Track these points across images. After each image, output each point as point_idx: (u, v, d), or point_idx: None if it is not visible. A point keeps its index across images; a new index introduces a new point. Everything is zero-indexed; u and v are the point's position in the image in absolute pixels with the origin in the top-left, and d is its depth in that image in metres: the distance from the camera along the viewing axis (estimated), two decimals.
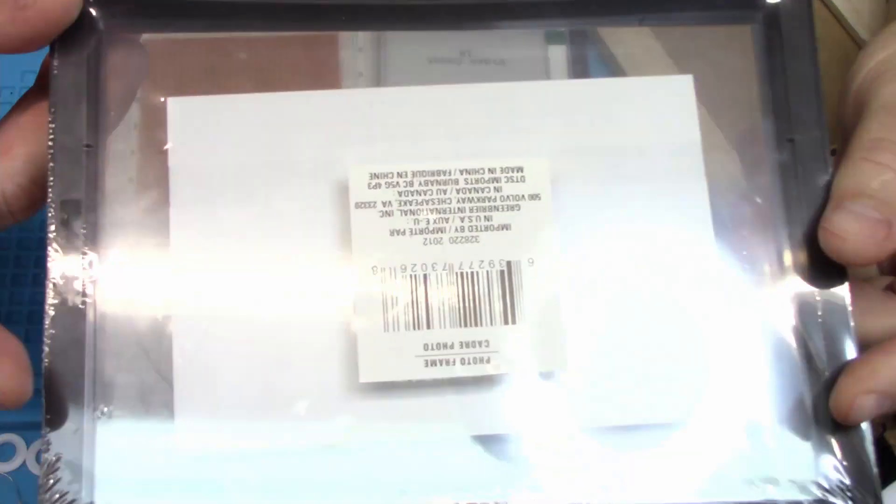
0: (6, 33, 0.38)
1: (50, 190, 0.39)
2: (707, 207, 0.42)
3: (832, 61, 0.51)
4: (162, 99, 0.42)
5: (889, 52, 0.44)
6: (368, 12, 0.47)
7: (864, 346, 0.40)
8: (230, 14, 0.46)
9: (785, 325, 0.41)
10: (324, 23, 0.47)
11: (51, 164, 0.40)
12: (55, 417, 0.39)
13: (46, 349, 0.39)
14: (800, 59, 0.45)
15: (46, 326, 0.39)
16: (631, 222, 0.42)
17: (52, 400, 0.39)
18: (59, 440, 0.39)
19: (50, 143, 0.40)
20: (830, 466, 0.39)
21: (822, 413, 0.40)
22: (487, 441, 0.39)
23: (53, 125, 0.40)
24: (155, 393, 0.40)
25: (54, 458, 0.38)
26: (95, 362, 0.40)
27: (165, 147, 0.41)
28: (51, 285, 0.39)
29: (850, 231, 0.39)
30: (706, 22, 0.49)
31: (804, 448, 0.40)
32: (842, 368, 0.40)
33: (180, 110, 0.42)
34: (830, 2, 0.55)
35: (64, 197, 0.40)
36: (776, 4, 0.45)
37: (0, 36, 0.38)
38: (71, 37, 0.41)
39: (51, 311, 0.39)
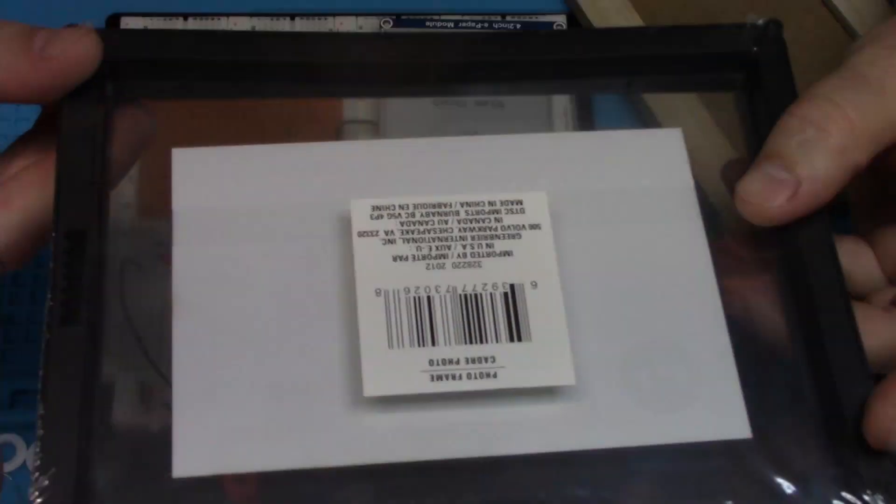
0: (27, 83, 0.38)
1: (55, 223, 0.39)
2: (703, 238, 0.42)
3: (832, 61, 0.50)
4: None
5: (879, 27, 0.43)
6: (371, 83, 0.47)
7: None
8: (235, 77, 0.46)
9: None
10: (327, 88, 0.48)
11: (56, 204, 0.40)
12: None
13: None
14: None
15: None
16: (631, 250, 0.42)
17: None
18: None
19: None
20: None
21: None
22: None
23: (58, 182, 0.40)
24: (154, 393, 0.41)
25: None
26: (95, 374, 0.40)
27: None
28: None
29: (753, 192, 0.40)
30: (691, 89, 0.49)
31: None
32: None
33: (184, 160, 0.43)
34: (830, 2, 0.55)
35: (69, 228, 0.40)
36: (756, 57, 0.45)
37: (20, 86, 0.38)
38: (82, 92, 0.41)
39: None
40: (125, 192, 0.46)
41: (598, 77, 0.47)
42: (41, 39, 0.38)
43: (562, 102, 0.50)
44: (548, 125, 0.50)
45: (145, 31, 0.49)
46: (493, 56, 0.45)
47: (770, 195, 0.39)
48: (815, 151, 0.39)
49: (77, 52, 0.39)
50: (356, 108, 0.50)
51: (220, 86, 0.46)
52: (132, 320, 0.43)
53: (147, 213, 0.46)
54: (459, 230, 0.41)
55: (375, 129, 0.49)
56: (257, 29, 0.51)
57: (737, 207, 0.40)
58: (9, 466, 0.52)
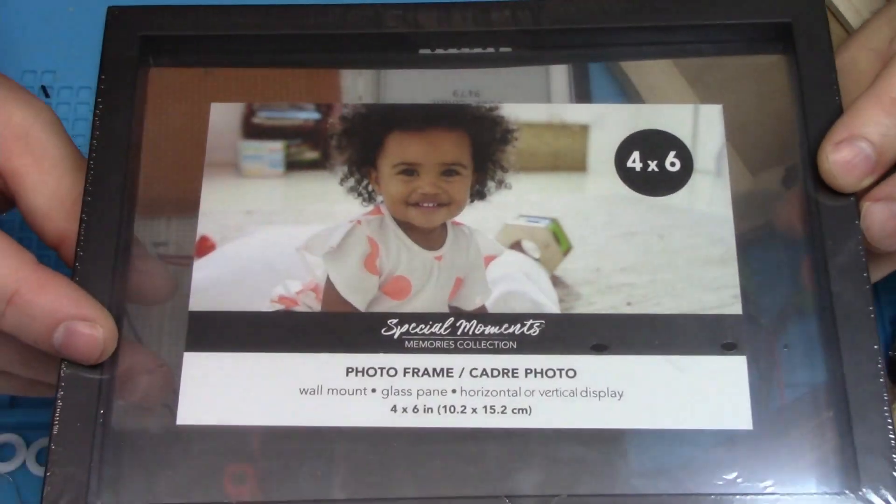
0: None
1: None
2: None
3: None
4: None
5: None
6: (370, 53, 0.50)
7: None
8: (233, 49, 0.48)
9: None
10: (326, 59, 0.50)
11: None
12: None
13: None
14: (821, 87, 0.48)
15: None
16: None
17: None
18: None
19: None
20: None
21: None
22: None
23: None
24: None
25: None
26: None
27: None
28: None
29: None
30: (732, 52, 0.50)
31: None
32: None
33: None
34: (831, 2, 0.55)
35: None
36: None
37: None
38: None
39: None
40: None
41: (631, 45, 0.51)
42: (59, 336, 0.43)
43: (560, 74, 0.50)
44: (546, 97, 0.50)
45: (178, 8, 0.50)
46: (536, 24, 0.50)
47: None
48: None
49: (84, 354, 0.44)
50: (356, 82, 0.51)
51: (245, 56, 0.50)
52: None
53: (147, 213, 0.46)
54: None
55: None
56: None
57: None
58: (9, 466, 0.52)
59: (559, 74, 0.51)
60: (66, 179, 0.47)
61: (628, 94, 0.52)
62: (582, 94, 0.51)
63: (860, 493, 0.41)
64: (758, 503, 0.42)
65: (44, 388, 0.47)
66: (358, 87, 0.50)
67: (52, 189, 0.47)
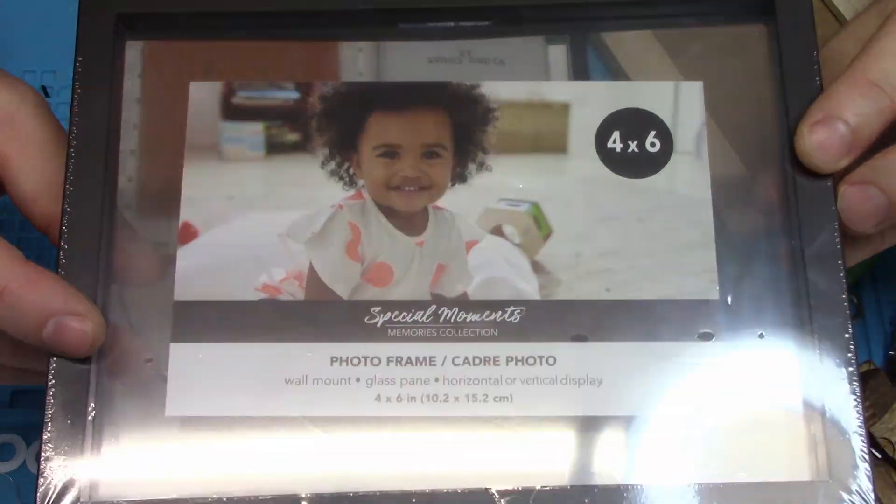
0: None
1: None
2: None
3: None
4: None
5: None
6: (368, 24, 0.49)
7: None
8: (212, 24, 0.48)
9: None
10: (324, 31, 0.49)
11: None
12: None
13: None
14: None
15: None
16: None
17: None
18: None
19: None
20: None
21: None
22: None
23: None
24: None
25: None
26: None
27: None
28: None
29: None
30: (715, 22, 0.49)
31: None
32: None
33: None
34: (830, 2, 0.54)
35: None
36: None
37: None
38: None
39: None
40: (125, 193, 0.47)
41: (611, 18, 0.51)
42: (49, 331, 0.44)
43: (558, 53, 0.50)
44: (545, 75, 0.50)
45: None
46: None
47: None
48: None
49: (74, 348, 0.44)
50: (356, 61, 0.50)
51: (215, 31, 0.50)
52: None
53: (147, 213, 0.47)
54: None
55: None
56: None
57: None
58: (8, 466, 0.53)
59: (557, 50, 0.51)
60: (52, 163, 0.47)
61: (611, 69, 0.52)
62: (579, 69, 0.50)
63: (830, 481, 0.43)
64: (735, 490, 0.43)
65: (32, 377, 0.48)
66: (355, 62, 0.50)
67: (38, 173, 0.47)
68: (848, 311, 0.45)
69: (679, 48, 0.51)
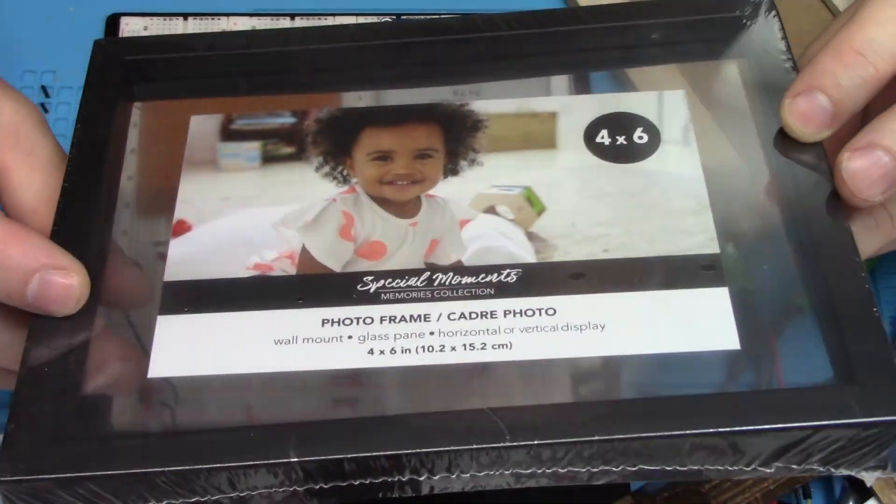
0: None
1: None
2: None
3: None
4: None
5: None
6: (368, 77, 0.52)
7: None
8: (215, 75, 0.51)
9: None
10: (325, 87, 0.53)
11: None
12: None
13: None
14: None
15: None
16: None
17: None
18: None
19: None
20: None
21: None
22: None
23: None
24: None
25: None
26: None
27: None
28: None
29: None
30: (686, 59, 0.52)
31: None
32: None
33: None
34: (830, 2, 0.57)
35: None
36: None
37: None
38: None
39: None
40: (125, 192, 0.48)
41: (595, 53, 0.52)
42: (34, 287, 0.43)
43: (560, 82, 0.52)
44: (546, 91, 0.52)
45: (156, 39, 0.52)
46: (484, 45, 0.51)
47: None
48: None
49: (60, 304, 0.43)
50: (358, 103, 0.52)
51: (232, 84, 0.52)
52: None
53: (147, 213, 0.47)
54: None
55: None
56: (257, 28, 0.53)
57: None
58: None
59: (559, 80, 0.53)
60: (53, 178, 0.48)
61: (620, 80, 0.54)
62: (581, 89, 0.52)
63: (855, 383, 0.40)
64: (752, 400, 0.40)
65: (8, 381, 0.46)
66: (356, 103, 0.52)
67: (38, 186, 0.47)
68: (851, 233, 0.43)
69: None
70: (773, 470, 0.40)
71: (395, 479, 0.40)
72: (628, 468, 0.40)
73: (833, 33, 0.49)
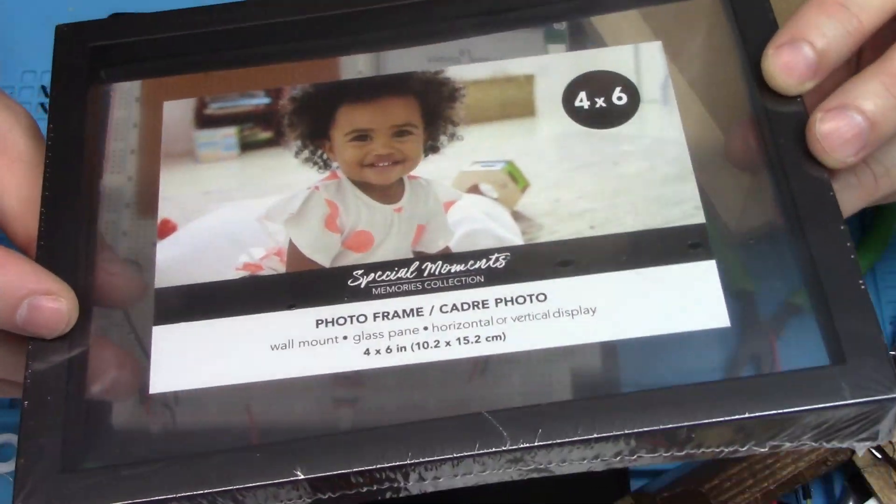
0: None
1: None
2: None
3: None
4: None
5: None
6: (366, 35, 0.51)
7: None
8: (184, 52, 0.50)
9: None
10: (326, 47, 0.52)
11: None
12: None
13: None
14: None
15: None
16: None
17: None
18: None
19: None
20: None
21: None
22: None
23: None
24: None
25: None
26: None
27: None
28: None
29: None
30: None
31: None
32: None
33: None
34: None
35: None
36: None
37: None
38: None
39: None
40: (125, 192, 0.48)
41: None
42: (23, 313, 0.43)
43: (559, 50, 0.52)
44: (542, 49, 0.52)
45: (129, 17, 0.51)
46: None
47: None
48: None
49: (49, 328, 0.44)
50: (356, 65, 0.51)
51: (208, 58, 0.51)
52: None
53: (147, 213, 0.47)
54: None
55: None
56: None
57: None
58: (9, 466, 0.51)
59: (556, 49, 0.52)
60: (40, 183, 0.47)
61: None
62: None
63: (846, 363, 0.40)
64: (744, 387, 0.41)
65: (10, 389, 0.47)
66: (354, 66, 0.51)
67: (26, 191, 0.47)
68: (837, 203, 0.44)
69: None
70: (766, 448, 0.41)
71: (401, 484, 0.41)
72: (627, 457, 0.41)
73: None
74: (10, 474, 0.51)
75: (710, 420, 0.40)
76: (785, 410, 0.40)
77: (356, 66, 0.51)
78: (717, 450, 0.41)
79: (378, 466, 0.40)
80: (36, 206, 0.47)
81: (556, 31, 0.52)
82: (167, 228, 0.47)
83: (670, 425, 0.40)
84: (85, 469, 0.41)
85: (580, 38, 0.51)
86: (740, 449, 0.41)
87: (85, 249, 0.46)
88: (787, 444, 0.41)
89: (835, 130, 0.44)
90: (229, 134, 0.50)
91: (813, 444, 0.41)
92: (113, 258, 0.47)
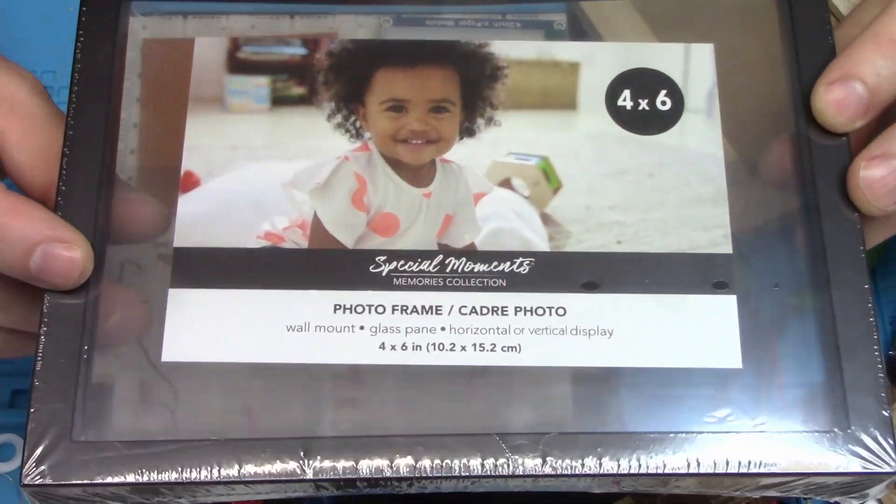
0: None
1: None
2: None
3: None
4: None
5: None
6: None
7: None
8: None
9: None
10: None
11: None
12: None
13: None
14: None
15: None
16: None
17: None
18: None
19: None
20: None
21: None
22: None
23: None
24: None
25: None
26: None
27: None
28: None
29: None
30: None
31: None
32: None
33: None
34: (830, 2, 0.54)
35: None
36: None
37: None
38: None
39: None
40: (125, 150, 0.47)
41: None
42: (37, 260, 0.42)
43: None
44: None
45: None
46: None
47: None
48: None
49: (63, 277, 0.43)
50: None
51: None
52: None
53: (149, 167, 0.46)
54: None
55: None
56: (256, 28, 0.50)
57: None
58: (9, 466, 0.52)
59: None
60: (50, 135, 0.46)
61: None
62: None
63: (849, 431, 0.41)
64: (747, 441, 0.42)
65: (24, 343, 0.46)
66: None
67: (36, 145, 0.46)
68: (865, 264, 0.44)
69: (689, 15, 0.50)
70: (756, 496, 0.43)
71: (402, 488, 0.42)
72: (624, 487, 0.42)
73: (864, 20, 0.47)
74: (10, 474, 0.52)
75: (709, 472, 0.41)
76: (784, 472, 0.41)
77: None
78: (706, 490, 0.43)
79: (383, 476, 0.41)
80: (49, 160, 0.46)
81: (556, 30, 0.50)
82: (190, 182, 0.46)
83: (670, 472, 0.41)
84: (92, 441, 0.42)
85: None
86: (733, 494, 0.43)
87: (106, 194, 0.45)
88: (776, 495, 0.43)
89: (879, 179, 0.44)
90: (262, 84, 0.48)
91: (802, 497, 0.43)
92: (132, 189, 0.47)
